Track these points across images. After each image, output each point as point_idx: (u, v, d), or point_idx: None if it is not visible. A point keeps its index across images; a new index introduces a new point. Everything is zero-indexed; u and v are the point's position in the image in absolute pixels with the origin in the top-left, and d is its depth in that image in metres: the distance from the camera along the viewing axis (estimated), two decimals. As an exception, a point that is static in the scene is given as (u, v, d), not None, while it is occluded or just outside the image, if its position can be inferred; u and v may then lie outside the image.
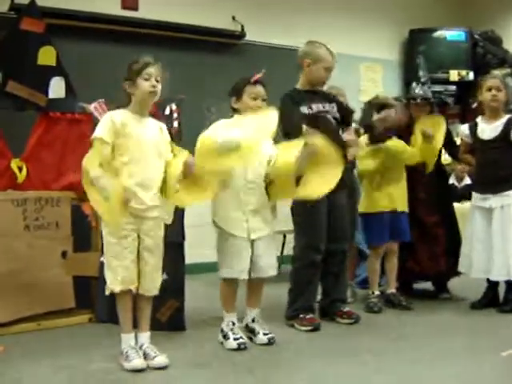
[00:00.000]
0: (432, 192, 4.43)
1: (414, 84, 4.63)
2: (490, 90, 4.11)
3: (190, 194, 3.10)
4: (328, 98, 3.92)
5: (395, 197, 4.22)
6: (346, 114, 3.94)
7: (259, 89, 3.42)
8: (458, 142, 4.53)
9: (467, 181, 5.82)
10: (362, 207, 4.34)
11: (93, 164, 2.95)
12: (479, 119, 4.21)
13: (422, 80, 4.60)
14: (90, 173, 2.93)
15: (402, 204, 4.25)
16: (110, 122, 3.03)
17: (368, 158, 4.19)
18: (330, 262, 3.85)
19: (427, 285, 4.77)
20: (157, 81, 3.09)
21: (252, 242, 3.34)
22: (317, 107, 3.79)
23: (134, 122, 3.08)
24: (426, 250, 4.41)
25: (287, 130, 3.61)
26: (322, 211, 3.71)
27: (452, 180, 5.91)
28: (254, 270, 3.36)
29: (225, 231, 3.34)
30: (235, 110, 3.46)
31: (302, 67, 3.89)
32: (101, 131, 3.01)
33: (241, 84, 3.44)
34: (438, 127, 4.29)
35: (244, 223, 3.32)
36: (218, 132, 3.19)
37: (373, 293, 4.26)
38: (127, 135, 3.03)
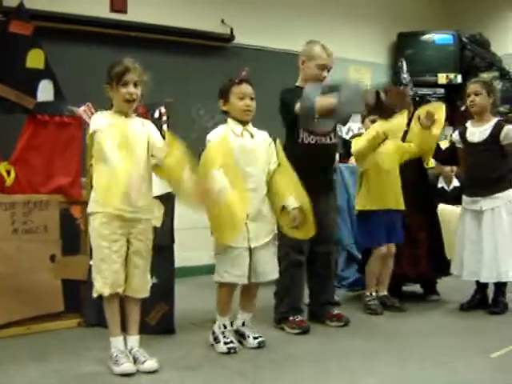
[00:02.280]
0: (413, 194, 4.39)
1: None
2: (469, 95, 4.15)
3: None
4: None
5: (390, 197, 4.23)
6: None
7: (245, 87, 3.39)
8: (446, 145, 4.55)
9: (455, 183, 5.84)
10: (358, 205, 4.35)
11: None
12: (468, 123, 4.24)
13: (404, 82, 4.64)
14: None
15: (397, 203, 4.25)
16: (102, 119, 3.04)
17: (363, 140, 4.18)
18: (316, 265, 3.86)
19: (416, 287, 4.79)
20: (135, 85, 3.05)
21: (251, 248, 3.30)
22: None
23: (121, 123, 3.06)
24: (407, 253, 4.41)
25: (288, 120, 3.74)
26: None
27: (441, 183, 5.93)
28: (253, 275, 3.32)
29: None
30: (225, 113, 3.44)
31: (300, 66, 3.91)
32: (96, 125, 3.01)
33: (227, 85, 3.42)
34: (436, 114, 4.26)
35: (244, 232, 3.26)
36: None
37: (371, 294, 4.26)
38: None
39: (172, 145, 3.07)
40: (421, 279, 4.64)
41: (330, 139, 3.86)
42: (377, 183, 4.23)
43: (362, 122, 4.46)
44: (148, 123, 3.24)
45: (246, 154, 3.33)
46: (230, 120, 3.42)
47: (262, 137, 3.46)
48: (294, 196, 3.34)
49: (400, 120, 4.09)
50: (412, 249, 4.43)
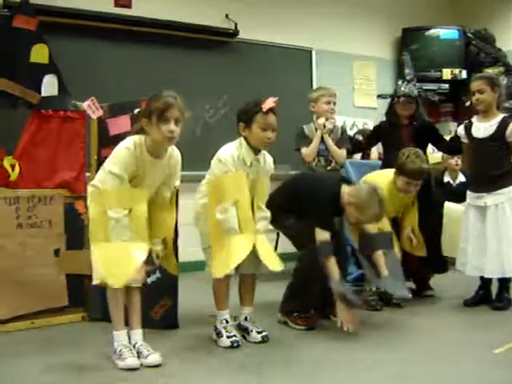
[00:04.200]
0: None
1: (399, 82, 4.65)
2: (473, 93, 4.14)
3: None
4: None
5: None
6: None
7: (271, 119, 3.24)
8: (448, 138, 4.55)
9: (462, 178, 5.82)
10: None
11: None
12: (474, 118, 4.22)
13: (408, 78, 4.62)
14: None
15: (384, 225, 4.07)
16: (132, 155, 2.96)
17: None
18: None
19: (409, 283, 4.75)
20: (176, 122, 2.95)
21: None
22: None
23: (150, 165, 3.02)
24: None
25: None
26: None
27: (447, 178, 5.91)
28: (241, 265, 3.27)
29: None
30: (244, 137, 3.33)
31: None
32: (124, 162, 2.95)
33: (252, 111, 3.26)
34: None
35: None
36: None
37: (370, 289, 4.25)
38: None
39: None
40: (412, 275, 4.62)
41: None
42: None
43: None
44: (175, 159, 3.17)
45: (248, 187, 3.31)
46: (243, 143, 3.31)
47: (266, 166, 3.42)
48: None
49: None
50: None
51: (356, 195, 3.54)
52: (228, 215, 3.16)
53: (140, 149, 2.98)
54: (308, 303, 3.76)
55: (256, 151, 3.33)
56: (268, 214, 3.41)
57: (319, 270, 3.56)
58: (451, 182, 5.91)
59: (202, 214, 3.36)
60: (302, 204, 3.63)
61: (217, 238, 3.21)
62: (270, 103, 3.22)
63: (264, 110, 3.22)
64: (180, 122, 2.97)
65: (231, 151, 3.29)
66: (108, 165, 2.96)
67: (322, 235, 3.48)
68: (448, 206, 5.01)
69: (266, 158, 3.43)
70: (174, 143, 3.04)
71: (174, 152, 3.16)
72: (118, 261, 2.90)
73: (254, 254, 3.25)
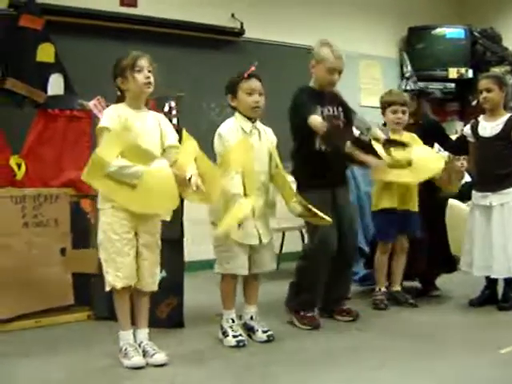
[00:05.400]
0: (421, 205, 4.25)
1: (401, 82, 4.64)
2: (481, 92, 4.13)
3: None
4: (335, 100, 3.82)
5: (407, 198, 4.15)
6: (349, 117, 3.87)
7: (254, 83, 3.37)
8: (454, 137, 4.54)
9: (467, 178, 5.79)
10: (372, 206, 4.31)
11: (111, 154, 2.92)
12: (481, 117, 4.21)
13: (407, 75, 4.63)
14: (111, 164, 2.91)
15: (413, 205, 4.17)
16: (114, 114, 3.04)
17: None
18: (335, 258, 3.71)
19: (415, 282, 4.73)
20: (149, 71, 3.08)
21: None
22: (327, 111, 3.71)
23: (133, 117, 3.07)
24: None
25: (303, 131, 3.59)
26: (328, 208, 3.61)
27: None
28: (253, 266, 3.37)
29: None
30: (234, 108, 3.44)
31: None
32: (107, 121, 3.00)
33: (234, 80, 3.40)
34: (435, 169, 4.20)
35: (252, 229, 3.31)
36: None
37: (379, 289, 4.24)
38: (128, 129, 3.03)
39: (184, 144, 3.11)
40: (418, 275, 4.61)
41: None
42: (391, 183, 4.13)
43: (382, 113, 4.36)
44: (160, 116, 3.25)
45: (254, 154, 3.35)
46: (238, 115, 3.42)
47: (268, 135, 3.49)
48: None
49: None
50: (412, 249, 4.30)
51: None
52: (233, 182, 3.22)
53: (120, 107, 3.09)
54: (312, 301, 3.76)
55: (251, 120, 3.40)
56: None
57: (323, 268, 3.61)
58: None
59: None
60: (292, 124, 3.72)
61: (225, 206, 3.24)
62: (250, 69, 3.37)
63: (245, 75, 3.34)
64: (152, 71, 3.09)
65: (229, 125, 3.39)
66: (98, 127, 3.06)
67: (315, 120, 3.48)
68: (452, 203, 4.97)
69: (265, 128, 3.50)
70: (151, 90, 3.12)
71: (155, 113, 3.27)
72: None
73: (265, 251, 3.37)
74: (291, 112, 3.71)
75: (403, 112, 4.19)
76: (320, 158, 3.63)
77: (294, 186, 3.51)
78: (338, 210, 3.71)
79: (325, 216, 3.34)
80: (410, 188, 4.15)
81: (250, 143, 3.34)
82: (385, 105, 4.24)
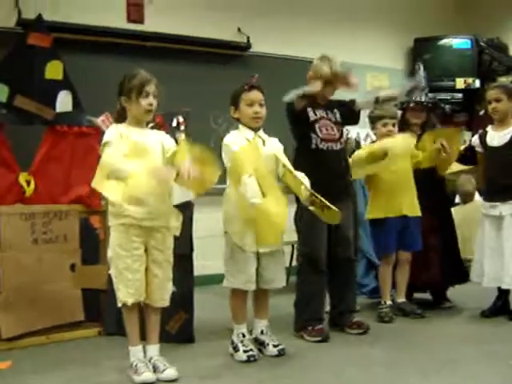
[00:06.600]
0: (425, 194, 4.26)
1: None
2: (490, 102, 4.12)
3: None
4: (330, 106, 3.92)
5: (403, 203, 4.14)
6: (348, 110, 3.94)
7: (255, 94, 3.39)
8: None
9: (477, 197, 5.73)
10: (368, 214, 4.30)
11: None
12: (489, 127, 4.21)
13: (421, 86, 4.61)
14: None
15: (411, 209, 4.16)
16: (115, 131, 3.06)
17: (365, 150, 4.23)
18: (336, 271, 3.81)
19: (426, 294, 4.71)
20: (154, 96, 3.08)
21: (259, 254, 3.32)
22: (319, 114, 3.82)
23: (135, 133, 3.08)
24: (419, 261, 4.29)
25: (298, 129, 3.81)
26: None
27: (458, 200, 5.84)
28: (261, 281, 3.36)
29: (236, 244, 3.31)
30: (237, 120, 3.46)
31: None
32: (109, 137, 3.02)
33: (237, 92, 3.43)
34: (454, 140, 4.23)
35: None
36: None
37: (384, 303, 4.21)
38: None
39: (180, 144, 3.16)
40: (431, 287, 4.58)
41: (340, 144, 3.87)
42: (384, 188, 4.17)
43: (372, 128, 4.39)
44: (162, 133, 3.26)
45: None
46: (241, 127, 3.44)
47: (273, 144, 3.48)
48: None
49: (406, 140, 4.15)
50: (422, 254, 4.29)
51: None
52: (247, 187, 3.17)
53: (122, 126, 3.10)
54: (315, 314, 3.75)
55: (254, 130, 3.41)
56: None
57: (316, 279, 3.67)
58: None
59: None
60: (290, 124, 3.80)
61: (244, 212, 3.23)
62: (251, 81, 3.41)
63: (246, 87, 3.37)
64: (157, 96, 3.10)
65: (233, 134, 3.41)
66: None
67: (298, 90, 3.62)
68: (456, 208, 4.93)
69: (270, 138, 3.49)
70: (151, 116, 3.14)
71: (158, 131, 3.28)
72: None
73: (274, 267, 3.36)
74: (286, 113, 3.77)
75: (393, 125, 4.23)
76: (322, 172, 3.62)
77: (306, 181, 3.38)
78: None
79: (332, 206, 3.28)
80: (398, 191, 4.14)
81: (256, 145, 3.35)
82: (374, 119, 4.27)
